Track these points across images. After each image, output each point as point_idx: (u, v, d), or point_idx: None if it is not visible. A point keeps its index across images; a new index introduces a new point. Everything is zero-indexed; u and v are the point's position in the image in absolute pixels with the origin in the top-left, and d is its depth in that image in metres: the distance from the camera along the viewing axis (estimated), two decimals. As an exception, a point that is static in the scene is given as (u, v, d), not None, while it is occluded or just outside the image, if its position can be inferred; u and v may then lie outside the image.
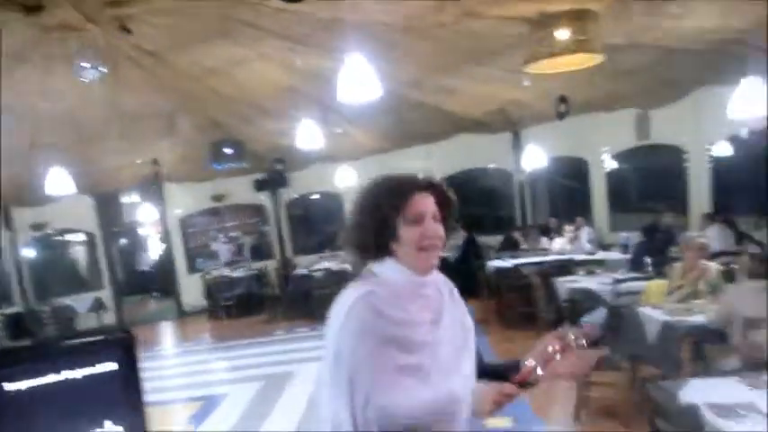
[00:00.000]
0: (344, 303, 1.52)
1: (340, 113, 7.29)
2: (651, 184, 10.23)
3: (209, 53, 5.40)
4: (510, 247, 9.85)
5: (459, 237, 10.60)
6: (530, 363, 1.51)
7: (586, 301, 6.04)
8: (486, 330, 8.25)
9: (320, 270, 10.63)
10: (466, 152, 10.75)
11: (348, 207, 10.54)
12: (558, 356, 1.50)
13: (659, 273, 5.83)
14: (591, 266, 7.52)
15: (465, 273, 9.83)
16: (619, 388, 4.78)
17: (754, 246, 5.48)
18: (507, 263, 8.55)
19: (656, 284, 5.24)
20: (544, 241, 9.52)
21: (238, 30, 4.85)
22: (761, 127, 7.21)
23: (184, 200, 12.60)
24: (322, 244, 12.65)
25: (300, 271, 11.03)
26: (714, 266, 4.88)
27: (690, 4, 4.45)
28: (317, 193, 12.84)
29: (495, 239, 10.73)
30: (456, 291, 1.74)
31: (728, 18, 4.75)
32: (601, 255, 8.44)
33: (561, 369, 1.50)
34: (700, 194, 8.82)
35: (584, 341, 1.49)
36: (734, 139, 8.39)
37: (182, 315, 12.34)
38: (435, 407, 1.49)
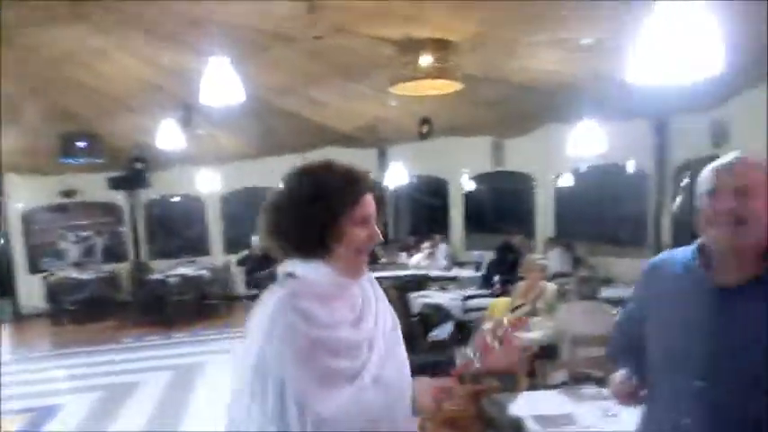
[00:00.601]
0: (267, 307, 1.42)
1: (205, 115, 7.05)
2: (504, 207, 10.85)
3: (62, 36, 5.01)
4: (369, 260, 9.97)
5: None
6: (467, 356, 1.52)
7: (437, 315, 6.25)
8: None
9: (177, 276, 10.18)
10: (333, 165, 10.80)
11: (211, 212, 10.20)
12: (496, 347, 1.52)
13: (505, 291, 6.16)
14: (445, 283, 7.81)
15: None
16: (462, 400, 4.97)
17: (584, 269, 5.94)
18: (367, 277, 8.64)
19: (501, 302, 5.52)
20: (403, 256, 9.76)
21: (97, 15, 4.55)
22: (599, 163, 7.91)
23: (28, 193, 11.57)
24: (181, 248, 12.14)
25: (156, 276, 10.50)
26: (551, 287, 5.22)
27: (534, 49, 4.78)
28: (178, 195, 12.31)
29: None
30: (374, 278, 1.66)
31: (566, 65, 5.17)
32: (455, 272, 8.79)
33: (498, 361, 1.50)
34: (545, 220, 9.46)
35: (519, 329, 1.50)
36: (575, 172, 9.12)
37: (18, 318, 11.29)
38: (373, 406, 1.42)
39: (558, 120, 7.31)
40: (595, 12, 3.84)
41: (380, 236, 1.52)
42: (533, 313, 5.07)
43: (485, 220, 10.99)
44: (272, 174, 8.95)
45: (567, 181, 9.34)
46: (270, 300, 1.44)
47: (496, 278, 7.28)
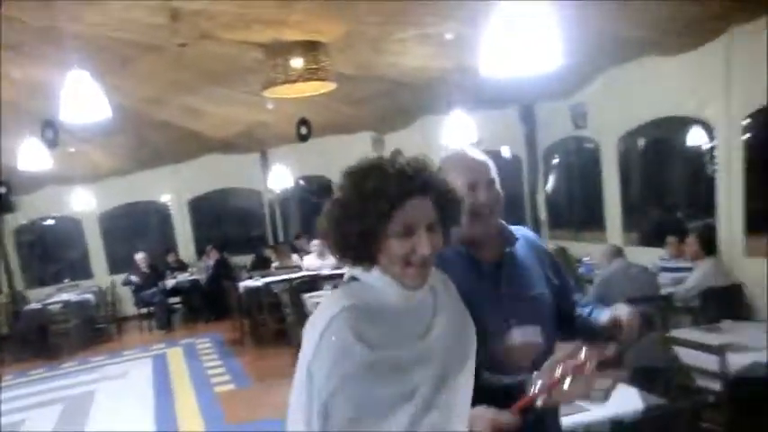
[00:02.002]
0: (319, 322, 1.28)
1: (71, 132, 6.63)
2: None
3: None
4: (261, 265, 9.84)
5: (213, 257, 10.37)
6: (535, 387, 1.30)
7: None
8: (238, 351, 8.12)
9: (58, 302, 9.53)
10: (214, 172, 10.57)
11: (89, 232, 9.60)
12: (567, 380, 1.27)
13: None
14: (338, 281, 7.81)
15: (216, 294, 9.61)
16: None
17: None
18: (258, 282, 8.52)
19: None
20: (295, 258, 9.68)
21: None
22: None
23: None
24: (60, 273, 11.37)
25: (33, 305, 9.77)
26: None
27: (403, 46, 4.89)
28: (51, 218, 11.51)
29: (247, 259, 10.67)
30: (448, 279, 1.48)
31: (434, 59, 5.33)
32: (347, 269, 8.81)
33: (568, 396, 1.29)
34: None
35: (595, 362, 1.27)
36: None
37: None
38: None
39: (432, 112, 7.51)
40: (453, 6, 3.97)
41: (432, 245, 1.29)
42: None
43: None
44: (151, 187, 8.69)
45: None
46: (326, 308, 1.30)
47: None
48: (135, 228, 11.44)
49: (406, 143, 9.27)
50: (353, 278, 1.37)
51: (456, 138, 6.01)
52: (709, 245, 5.36)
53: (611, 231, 6.77)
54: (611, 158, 6.78)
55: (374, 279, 1.32)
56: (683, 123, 6.12)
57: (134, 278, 10.24)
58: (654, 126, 6.46)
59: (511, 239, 1.76)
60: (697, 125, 5.95)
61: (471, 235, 1.69)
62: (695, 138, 6.13)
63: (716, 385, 3.40)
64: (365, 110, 7.48)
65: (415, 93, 6.57)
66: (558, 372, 1.26)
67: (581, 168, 7.74)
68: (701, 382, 3.59)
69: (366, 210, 1.27)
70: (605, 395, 1.31)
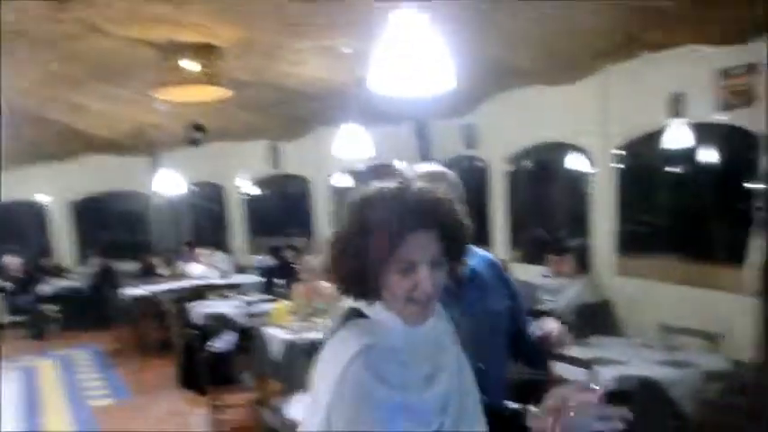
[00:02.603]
0: (338, 360, 1.18)
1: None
2: (285, 211, 10.89)
3: None
4: (147, 273, 9.42)
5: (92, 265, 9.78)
6: (542, 421, 1.25)
7: (219, 324, 6.07)
8: (119, 362, 7.72)
9: None
10: (99, 174, 10.01)
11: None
12: (571, 414, 1.22)
13: (287, 294, 6.18)
14: (226, 290, 7.63)
15: (99, 302, 9.07)
16: (249, 408, 4.90)
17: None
18: (143, 290, 8.15)
19: (283, 305, 5.53)
20: (183, 267, 9.34)
21: None
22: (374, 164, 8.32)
23: None
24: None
25: None
26: (329, 286, 5.36)
27: (301, 56, 4.88)
28: None
29: (133, 266, 10.16)
30: (442, 312, 1.38)
31: (332, 71, 5.35)
32: (237, 278, 8.62)
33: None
34: (323, 220, 9.70)
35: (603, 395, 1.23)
36: (352, 172, 9.46)
37: None
38: None
39: (328, 123, 7.52)
40: (351, 21, 4.01)
41: (435, 283, 1.20)
42: (315, 314, 5.17)
43: (267, 223, 10.94)
44: (29, 185, 8.11)
45: (346, 181, 9.65)
46: (343, 346, 1.21)
47: (279, 282, 7.29)
48: (10, 230, 10.55)
49: (301, 152, 9.26)
50: (357, 312, 1.28)
51: (350, 150, 6.05)
52: (583, 263, 5.71)
53: (498, 248, 7.04)
54: (499, 178, 7.08)
55: (380, 314, 1.24)
56: (566, 148, 6.50)
57: (7, 284, 9.48)
58: (540, 150, 6.81)
59: (471, 256, 1.75)
60: (578, 151, 6.33)
61: None
62: (576, 163, 6.53)
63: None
64: (260, 117, 7.37)
65: (311, 103, 6.56)
66: (570, 405, 1.21)
67: (472, 187, 8.00)
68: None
69: (366, 244, 1.19)
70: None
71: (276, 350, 4.83)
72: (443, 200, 1.25)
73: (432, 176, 1.75)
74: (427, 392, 1.22)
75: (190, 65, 4.26)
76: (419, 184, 1.26)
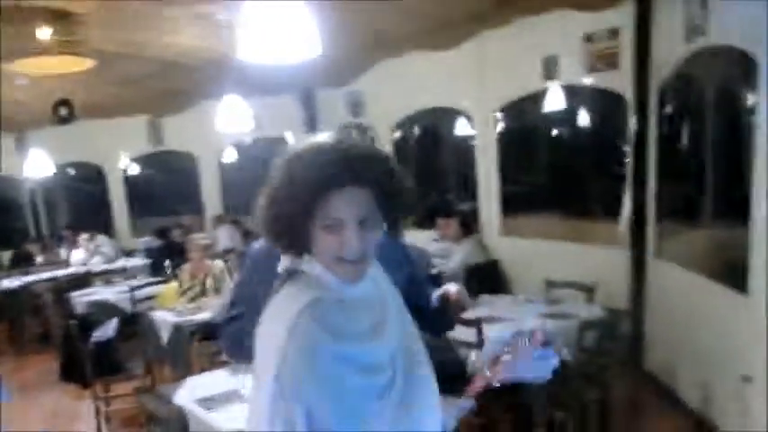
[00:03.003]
0: (285, 317, 1.11)
1: None
2: (170, 189, 10.41)
3: None
4: (23, 262, 8.73)
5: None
6: (485, 372, 1.26)
7: (103, 312, 5.74)
8: (-7, 362, 7.16)
9: None
10: (-43, 157, 9.09)
11: None
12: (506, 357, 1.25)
13: (176, 275, 5.94)
14: (111, 276, 7.23)
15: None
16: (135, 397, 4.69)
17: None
18: (18, 281, 7.55)
19: (170, 288, 5.31)
20: (63, 253, 8.74)
21: None
22: (261, 136, 8.11)
23: None
24: None
25: None
26: (218, 264, 5.19)
27: (173, 24, 4.62)
28: None
29: (5, 255, 9.38)
30: (383, 275, 1.34)
31: (208, 40, 5.11)
32: (121, 262, 8.19)
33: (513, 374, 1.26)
34: (212, 197, 9.38)
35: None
36: (239, 146, 9.17)
37: None
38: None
39: (211, 96, 7.22)
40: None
41: (363, 243, 1.15)
42: (203, 293, 5.01)
43: (151, 203, 10.42)
44: None
45: (230, 156, 9.34)
46: (284, 307, 1.15)
47: (167, 263, 6.98)
48: None
49: (185, 127, 8.84)
50: (293, 271, 1.22)
51: (232, 123, 5.84)
52: (470, 225, 5.87)
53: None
54: (387, 145, 7.11)
55: (315, 270, 1.20)
56: (452, 113, 6.61)
57: None
58: (426, 115, 6.89)
59: None
60: (462, 116, 6.45)
61: None
62: (461, 127, 6.66)
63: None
64: (136, 91, 6.95)
65: (191, 75, 6.25)
66: (507, 354, 1.25)
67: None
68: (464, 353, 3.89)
69: (291, 197, 1.14)
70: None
71: (164, 335, 4.65)
72: (378, 157, 1.18)
73: None
74: (375, 343, 1.19)
75: (42, 33, 3.89)
76: (353, 141, 1.21)
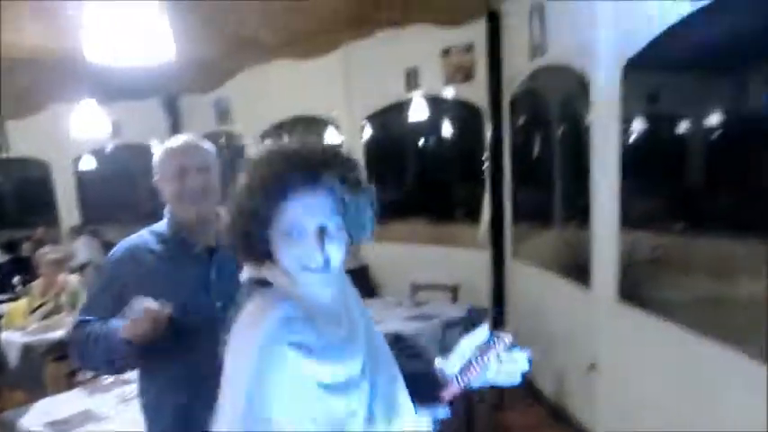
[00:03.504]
0: (255, 332, 1.05)
1: None
2: (20, 199, 9.58)
3: None
4: None
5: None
6: (461, 377, 1.20)
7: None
8: None
9: None
10: None
11: None
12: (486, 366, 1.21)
13: (26, 292, 5.49)
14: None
15: None
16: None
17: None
18: None
19: (18, 306, 4.90)
20: None
21: None
22: (122, 143, 7.70)
23: None
24: None
25: None
26: (73, 279, 4.87)
27: (19, 19, 4.28)
28: None
29: None
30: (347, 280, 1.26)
31: (59, 40, 4.77)
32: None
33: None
34: (69, 208, 8.75)
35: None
36: (98, 153, 8.63)
37: None
38: None
39: (62, 99, 6.76)
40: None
41: (326, 250, 1.06)
42: (57, 310, 4.67)
43: (4, 215, 9.53)
44: None
45: (88, 164, 8.77)
46: (250, 323, 1.08)
47: (15, 279, 6.43)
48: None
49: (35, 132, 8.17)
50: (260, 282, 1.14)
51: (87, 129, 5.50)
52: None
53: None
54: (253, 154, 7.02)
55: (278, 280, 1.12)
56: (321, 122, 6.63)
57: None
58: (295, 123, 6.86)
59: None
60: (330, 124, 6.50)
61: (181, 219, 1.72)
62: (330, 136, 6.70)
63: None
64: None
65: (39, 76, 5.80)
66: (479, 359, 1.21)
67: (228, 162, 7.80)
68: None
69: (247, 205, 1.08)
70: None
71: (12, 356, 4.28)
72: (338, 159, 1.11)
73: (186, 148, 1.75)
74: (347, 355, 1.13)
75: None
76: (313, 142, 1.14)
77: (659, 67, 2.72)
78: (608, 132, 3.01)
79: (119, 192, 8.72)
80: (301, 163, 1.07)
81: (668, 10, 2.37)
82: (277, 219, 1.08)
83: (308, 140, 1.15)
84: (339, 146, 1.22)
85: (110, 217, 8.57)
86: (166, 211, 1.80)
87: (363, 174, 1.14)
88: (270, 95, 6.44)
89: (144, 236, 1.78)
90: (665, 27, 2.47)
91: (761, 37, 2.07)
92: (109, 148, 8.41)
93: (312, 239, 1.08)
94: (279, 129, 7.02)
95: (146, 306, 1.54)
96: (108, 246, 7.53)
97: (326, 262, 1.09)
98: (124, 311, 1.59)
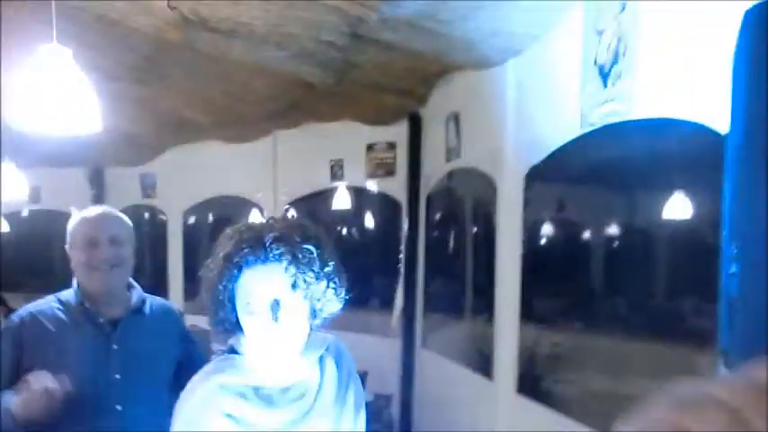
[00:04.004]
0: (191, 397, 1.06)
1: None
2: None
3: None
4: None
5: None
6: None
7: None
8: None
9: None
10: None
11: None
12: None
13: None
14: None
15: None
16: None
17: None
18: None
19: None
20: None
21: None
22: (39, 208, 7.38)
23: None
24: None
25: None
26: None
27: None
28: None
29: None
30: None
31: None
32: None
33: None
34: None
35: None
36: (12, 217, 8.19)
37: None
38: None
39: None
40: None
41: (284, 325, 1.04)
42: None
43: None
44: None
45: (2, 227, 8.29)
46: (193, 385, 1.10)
47: None
48: None
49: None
50: (230, 351, 1.16)
51: (4, 191, 5.24)
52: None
53: (173, 299, 6.75)
54: (177, 230, 6.92)
55: (245, 350, 1.14)
56: (246, 204, 6.62)
57: None
58: (220, 203, 6.81)
59: (137, 300, 1.76)
60: (255, 207, 6.50)
61: (89, 289, 1.70)
62: (255, 218, 6.67)
63: None
64: None
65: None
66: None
67: (151, 236, 7.62)
68: None
69: (212, 276, 1.13)
70: None
71: None
72: (291, 235, 1.12)
73: (100, 219, 1.75)
74: None
75: None
76: (280, 220, 1.18)
77: (563, 178, 2.93)
78: (512, 234, 3.16)
79: (34, 257, 8.25)
80: (254, 237, 1.11)
81: (564, 129, 2.58)
82: (237, 291, 1.11)
83: (277, 219, 1.20)
84: (304, 224, 1.21)
85: (23, 283, 8.05)
86: (74, 280, 1.78)
87: (330, 253, 1.18)
88: (197, 174, 6.42)
89: (50, 302, 1.76)
90: (561, 143, 2.68)
91: (646, 162, 2.28)
92: (25, 212, 8.02)
93: (265, 314, 1.08)
94: (203, 207, 6.95)
95: (43, 386, 1.47)
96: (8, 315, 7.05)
97: (280, 340, 1.10)
98: (19, 386, 1.52)
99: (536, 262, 3.10)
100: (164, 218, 7.16)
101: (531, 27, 2.54)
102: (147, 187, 6.94)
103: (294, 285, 1.11)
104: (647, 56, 2.03)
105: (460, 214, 4.35)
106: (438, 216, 4.79)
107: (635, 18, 2.08)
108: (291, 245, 1.11)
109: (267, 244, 1.09)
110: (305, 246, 1.13)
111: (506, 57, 2.88)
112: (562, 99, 2.57)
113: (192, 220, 7.02)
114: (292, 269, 1.11)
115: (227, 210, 7.04)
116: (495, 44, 2.70)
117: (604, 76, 2.30)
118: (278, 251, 1.09)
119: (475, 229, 4.11)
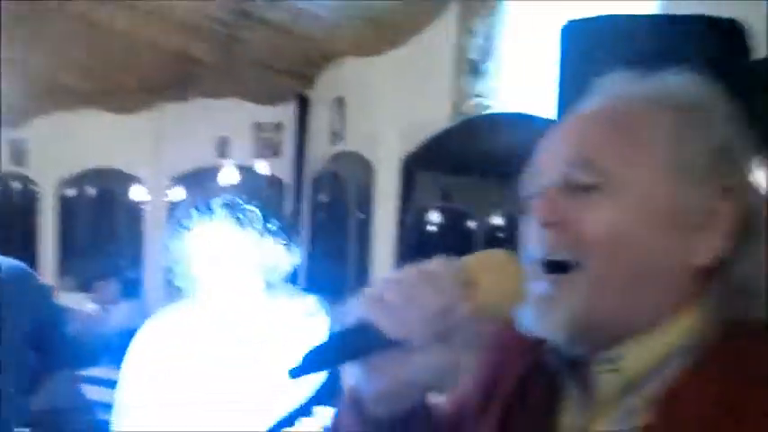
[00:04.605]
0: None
1: None
2: None
3: None
4: None
5: None
6: None
7: None
8: None
9: None
10: None
11: None
12: None
13: None
14: None
15: None
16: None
17: None
18: None
19: None
20: None
21: None
22: None
23: None
24: None
25: None
26: None
27: None
28: None
29: None
30: None
31: None
32: None
33: None
34: None
35: None
36: None
37: None
38: None
39: None
40: None
41: None
42: None
43: None
44: None
45: None
46: None
47: None
48: None
49: None
50: None
51: None
52: (135, 288, 5.53)
53: (43, 274, 6.28)
54: (49, 201, 6.42)
55: None
56: (128, 177, 6.25)
57: None
58: (100, 175, 6.39)
59: None
60: (137, 181, 6.16)
61: None
62: (137, 192, 6.33)
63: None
64: None
65: None
66: None
67: (17, 210, 7.02)
68: (106, 416, 3.56)
69: None
70: None
71: None
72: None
73: None
74: None
75: None
76: None
77: (444, 167, 3.03)
78: (387, 218, 3.23)
79: None
80: None
81: (439, 119, 2.67)
82: None
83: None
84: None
85: None
86: None
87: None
88: (74, 143, 5.97)
89: None
90: (438, 131, 2.77)
91: (525, 152, 2.40)
92: None
93: None
94: (80, 178, 6.49)
95: None
96: None
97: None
98: None
99: (411, 246, 3.19)
100: (35, 188, 6.61)
101: (411, 20, 2.60)
102: (17, 153, 6.37)
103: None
104: (512, 56, 2.14)
105: (344, 195, 4.38)
106: (323, 197, 4.78)
107: (502, 22, 2.18)
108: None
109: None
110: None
111: (388, 47, 2.92)
112: (437, 90, 2.65)
113: (69, 192, 6.52)
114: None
115: (107, 183, 6.62)
116: (378, 33, 2.73)
117: (475, 71, 2.41)
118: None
119: (357, 210, 4.15)
